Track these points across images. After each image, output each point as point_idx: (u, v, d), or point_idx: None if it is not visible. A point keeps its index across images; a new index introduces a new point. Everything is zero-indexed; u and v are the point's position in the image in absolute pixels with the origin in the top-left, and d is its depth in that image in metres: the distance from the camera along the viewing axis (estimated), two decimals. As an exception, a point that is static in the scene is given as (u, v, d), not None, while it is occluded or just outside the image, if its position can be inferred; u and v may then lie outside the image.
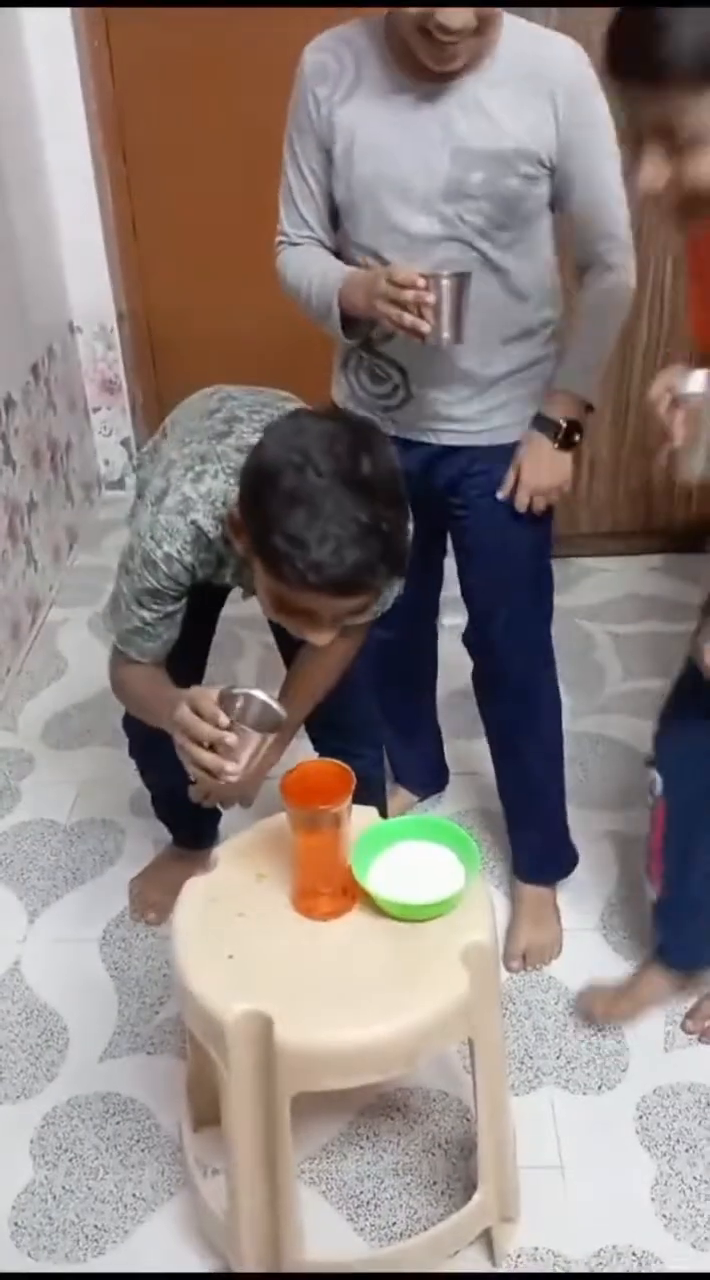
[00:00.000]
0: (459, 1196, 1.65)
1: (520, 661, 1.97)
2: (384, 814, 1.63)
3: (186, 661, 1.73)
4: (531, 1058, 1.87)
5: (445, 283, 1.56)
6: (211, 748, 1.41)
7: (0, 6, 2.89)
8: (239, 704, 1.42)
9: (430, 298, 1.55)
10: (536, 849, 2.13)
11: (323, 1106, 1.72)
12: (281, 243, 1.80)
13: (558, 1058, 1.87)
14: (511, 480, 1.80)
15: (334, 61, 1.71)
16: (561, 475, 1.80)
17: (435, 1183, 1.70)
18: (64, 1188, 1.71)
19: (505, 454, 1.80)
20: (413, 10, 1.49)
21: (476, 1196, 1.53)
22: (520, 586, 1.91)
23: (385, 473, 1.35)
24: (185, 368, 3.59)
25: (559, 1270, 1.58)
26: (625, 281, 1.77)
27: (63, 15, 3.04)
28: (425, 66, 1.57)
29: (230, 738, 1.39)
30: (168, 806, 2.11)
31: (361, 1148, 1.75)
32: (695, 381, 1.35)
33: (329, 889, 1.43)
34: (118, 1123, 1.80)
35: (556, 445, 1.77)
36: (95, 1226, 1.66)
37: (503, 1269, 1.59)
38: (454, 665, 2.21)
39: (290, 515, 1.29)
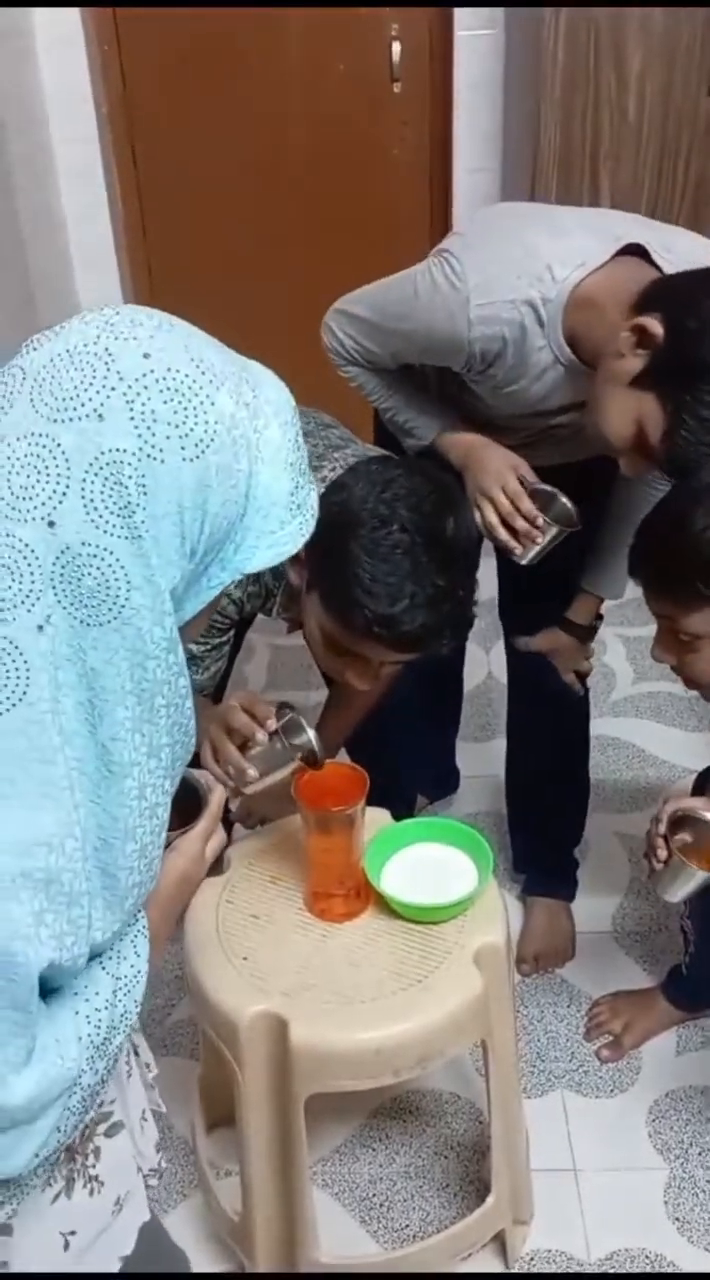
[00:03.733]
0: (472, 1199, 1.65)
1: (561, 689, 1.92)
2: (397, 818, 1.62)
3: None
4: (543, 1060, 1.87)
5: (553, 531, 1.57)
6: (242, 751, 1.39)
7: (12, 6, 2.89)
8: (287, 718, 1.39)
9: (539, 537, 1.57)
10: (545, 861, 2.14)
11: (335, 1109, 1.72)
12: (342, 358, 1.77)
13: (570, 1061, 1.87)
14: (534, 645, 1.86)
15: (505, 346, 1.51)
16: (587, 664, 1.90)
17: (448, 1185, 1.70)
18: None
19: (567, 473, 1.67)
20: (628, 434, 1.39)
21: (489, 1199, 1.53)
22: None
23: (466, 538, 1.35)
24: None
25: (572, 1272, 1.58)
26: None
27: (73, 17, 3.04)
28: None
29: (261, 735, 1.36)
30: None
31: (374, 1150, 1.75)
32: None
33: (342, 891, 1.43)
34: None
35: (583, 644, 1.84)
36: (108, 1228, 1.66)
37: (515, 1271, 1.59)
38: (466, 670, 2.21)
39: (371, 565, 1.27)
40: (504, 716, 2.34)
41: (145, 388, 0.72)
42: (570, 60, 2.46)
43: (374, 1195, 1.69)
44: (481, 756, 2.43)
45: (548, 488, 1.58)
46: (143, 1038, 1.12)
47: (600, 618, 1.85)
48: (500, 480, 1.57)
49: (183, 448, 0.72)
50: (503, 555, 1.62)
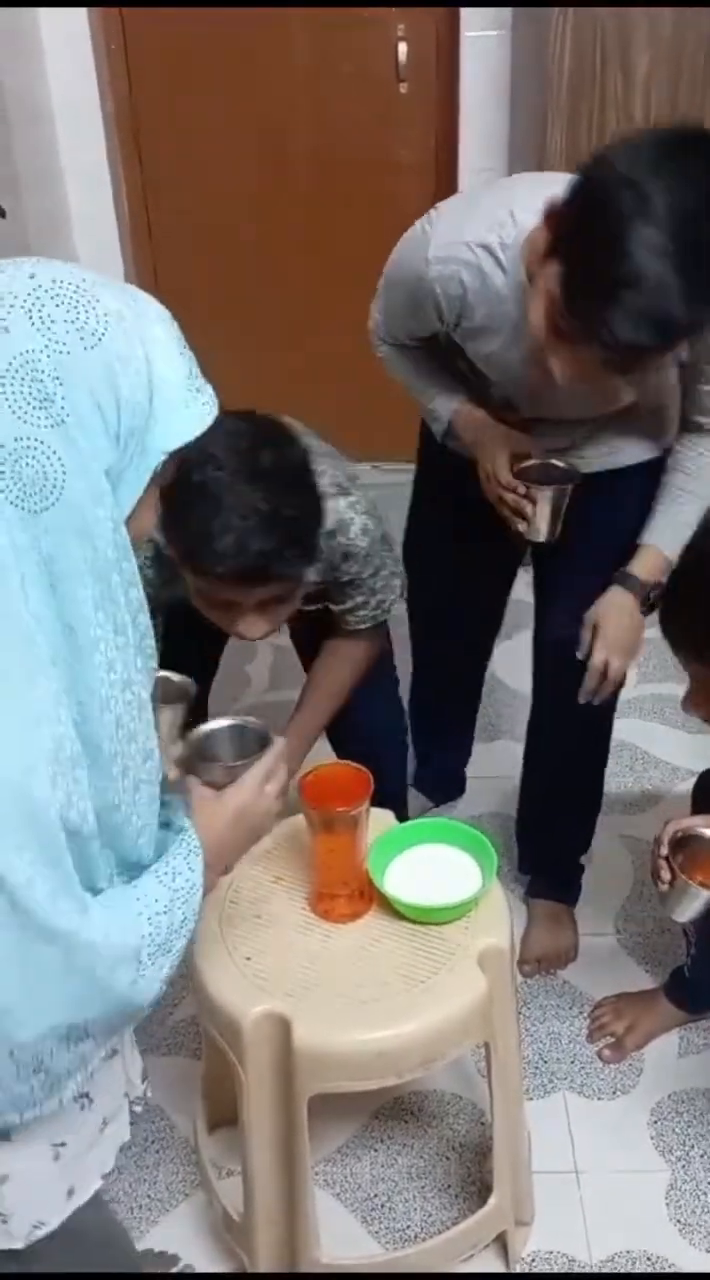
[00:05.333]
0: (473, 1200, 1.65)
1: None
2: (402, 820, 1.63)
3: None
4: (546, 1062, 1.87)
5: (547, 493, 1.57)
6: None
7: (19, 6, 2.89)
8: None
9: (528, 507, 1.57)
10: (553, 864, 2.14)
11: (337, 1109, 1.72)
12: (377, 336, 1.77)
13: (572, 1062, 1.87)
14: (587, 639, 1.68)
15: (468, 294, 1.54)
16: (637, 641, 1.68)
17: (449, 1186, 1.70)
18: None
19: (613, 478, 1.70)
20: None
21: (491, 1200, 1.53)
22: None
23: (288, 463, 1.39)
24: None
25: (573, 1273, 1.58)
26: None
27: (80, 17, 3.04)
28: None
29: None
30: None
31: (376, 1150, 1.75)
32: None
33: (346, 891, 1.43)
34: (132, 1123, 1.80)
35: (642, 607, 1.66)
36: (110, 1226, 1.66)
37: (516, 1271, 1.59)
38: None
39: (194, 511, 1.33)
40: (508, 717, 2.35)
41: (38, 299, 0.82)
42: (577, 62, 2.47)
43: (376, 1196, 1.69)
44: (485, 757, 2.43)
45: (537, 461, 1.60)
46: None
47: (656, 598, 1.63)
48: (489, 458, 1.61)
49: (82, 338, 0.83)
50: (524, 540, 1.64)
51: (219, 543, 1.32)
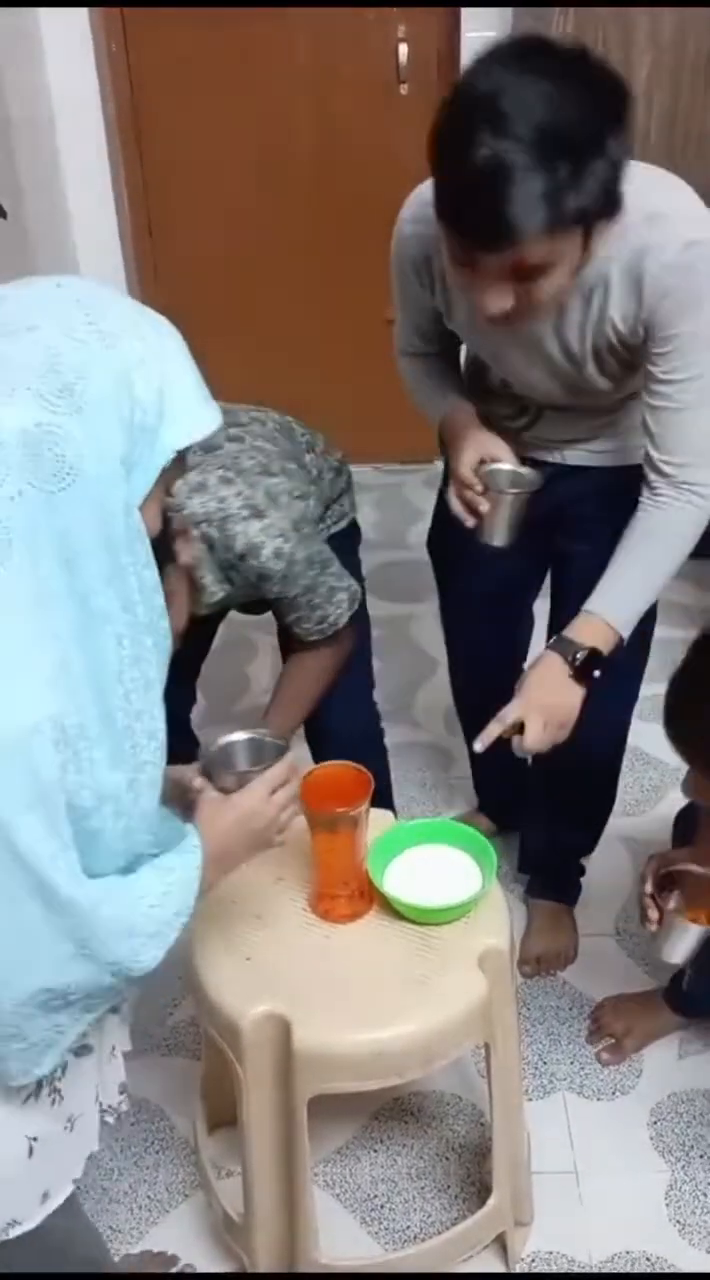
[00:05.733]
0: (473, 1200, 1.65)
1: (600, 706, 1.61)
2: None
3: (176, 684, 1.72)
4: (546, 1063, 1.87)
5: (505, 497, 1.55)
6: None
7: (22, 6, 2.90)
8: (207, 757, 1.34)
9: (483, 505, 1.56)
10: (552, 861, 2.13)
11: (336, 1110, 1.72)
12: (397, 348, 1.78)
13: (572, 1063, 1.87)
14: (512, 712, 1.49)
15: (433, 252, 1.54)
16: (567, 709, 1.50)
17: (449, 1187, 1.70)
18: (79, 1188, 1.71)
19: (616, 475, 1.66)
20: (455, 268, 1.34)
21: (491, 1201, 1.53)
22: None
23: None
24: (201, 372, 3.61)
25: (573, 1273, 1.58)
26: (703, 513, 1.50)
27: (81, 18, 3.05)
28: None
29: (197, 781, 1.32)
30: None
31: (375, 1151, 1.75)
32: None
33: (346, 892, 1.43)
34: (132, 1124, 1.80)
35: (571, 672, 1.49)
36: (110, 1228, 1.66)
37: (516, 1272, 1.59)
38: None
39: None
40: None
41: (64, 305, 0.90)
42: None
43: (375, 1196, 1.69)
44: (485, 759, 2.42)
45: (508, 467, 1.58)
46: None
47: (603, 667, 1.50)
48: (457, 456, 1.60)
49: (102, 339, 0.89)
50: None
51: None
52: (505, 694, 1.52)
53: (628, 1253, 1.60)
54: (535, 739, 1.48)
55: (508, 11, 2.91)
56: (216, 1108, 1.66)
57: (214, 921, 1.44)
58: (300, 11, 3.10)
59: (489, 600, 1.94)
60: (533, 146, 1.19)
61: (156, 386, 0.92)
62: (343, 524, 1.90)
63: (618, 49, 2.45)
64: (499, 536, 1.59)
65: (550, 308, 1.40)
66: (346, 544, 1.90)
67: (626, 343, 1.47)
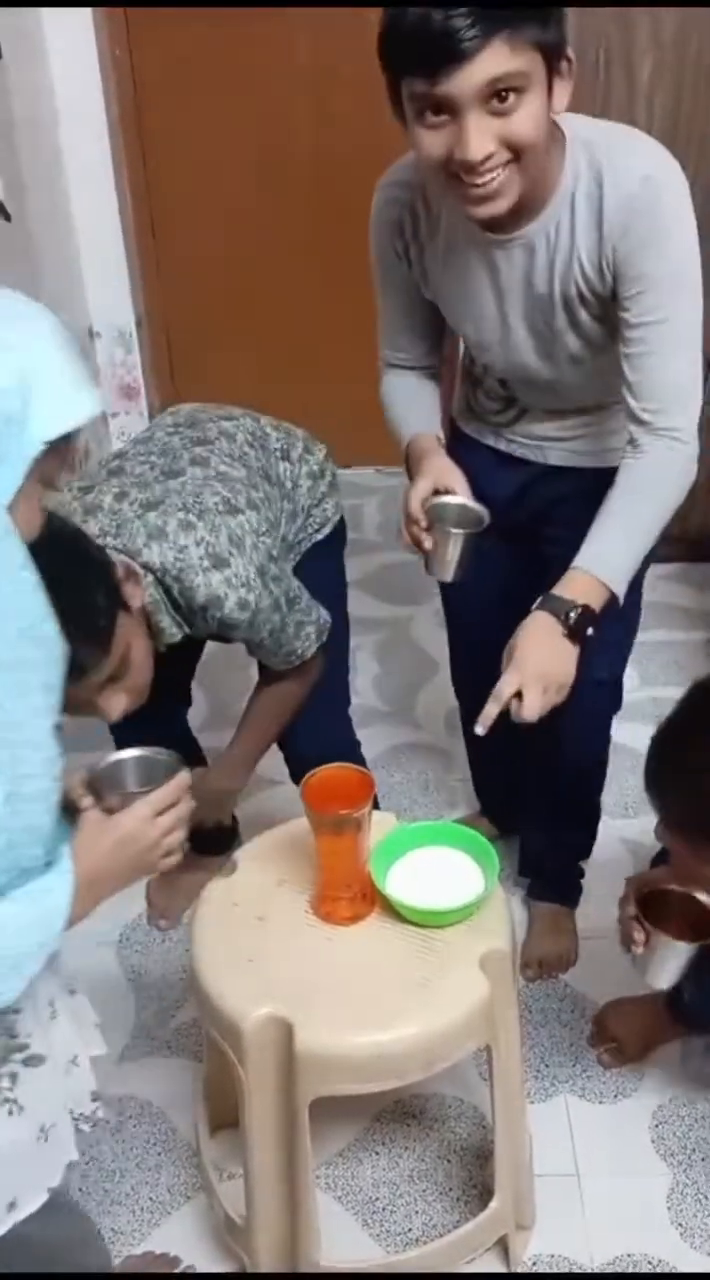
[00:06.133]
0: (475, 1203, 1.65)
1: (590, 695, 1.63)
2: None
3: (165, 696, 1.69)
4: (547, 1065, 1.87)
5: (451, 536, 1.54)
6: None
7: (26, 6, 2.90)
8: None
9: (427, 542, 1.55)
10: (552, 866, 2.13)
11: (338, 1112, 1.72)
12: (383, 360, 1.78)
13: (574, 1066, 1.87)
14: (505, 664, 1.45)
15: (406, 213, 1.59)
16: (563, 671, 1.45)
17: (451, 1189, 1.70)
18: (81, 1190, 1.72)
19: (598, 477, 1.60)
20: (434, 154, 1.33)
21: (492, 1203, 1.53)
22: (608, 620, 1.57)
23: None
24: (203, 372, 3.61)
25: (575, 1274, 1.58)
26: (684, 458, 1.48)
27: (84, 19, 3.05)
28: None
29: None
30: None
31: (377, 1154, 1.75)
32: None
33: (349, 894, 1.43)
34: (134, 1125, 1.80)
35: (565, 631, 1.44)
36: (112, 1230, 1.66)
37: (518, 1274, 1.59)
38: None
39: None
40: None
41: None
42: (580, 65, 2.45)
43: (377, 1199, 1.69)
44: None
45: (457, 500, 1.57)
46: (84, 997, 1.23)
47: (595, 624, 1.46)
48: (413, 486, 1.59)
49: None
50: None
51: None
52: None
53: (629, 1255, 1.60)
54: (534, 706, 1.42)
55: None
56: (218, 1110, 1.66)
57: (216, 924, 1.44)
58: (301, 12, 3.11)
59: (489, 600, 1.94)
60: None
61: (16, 371, 0.87)
62: (325, 530, 1.86)
63: (619, 48, 2.45)
64: (444, 572, 1.58)
65: (532, 168, 1.36)
66: (329, 550, 1.88)
67: (595, 290, 1.47)
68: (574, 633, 1.45)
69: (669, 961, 1.43)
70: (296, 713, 1.79)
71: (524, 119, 1.29)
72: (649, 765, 1.39)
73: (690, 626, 2.92)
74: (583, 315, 1.51)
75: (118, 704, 1.45)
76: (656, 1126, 1.77)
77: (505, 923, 1.43)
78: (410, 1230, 1.65)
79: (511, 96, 1.27)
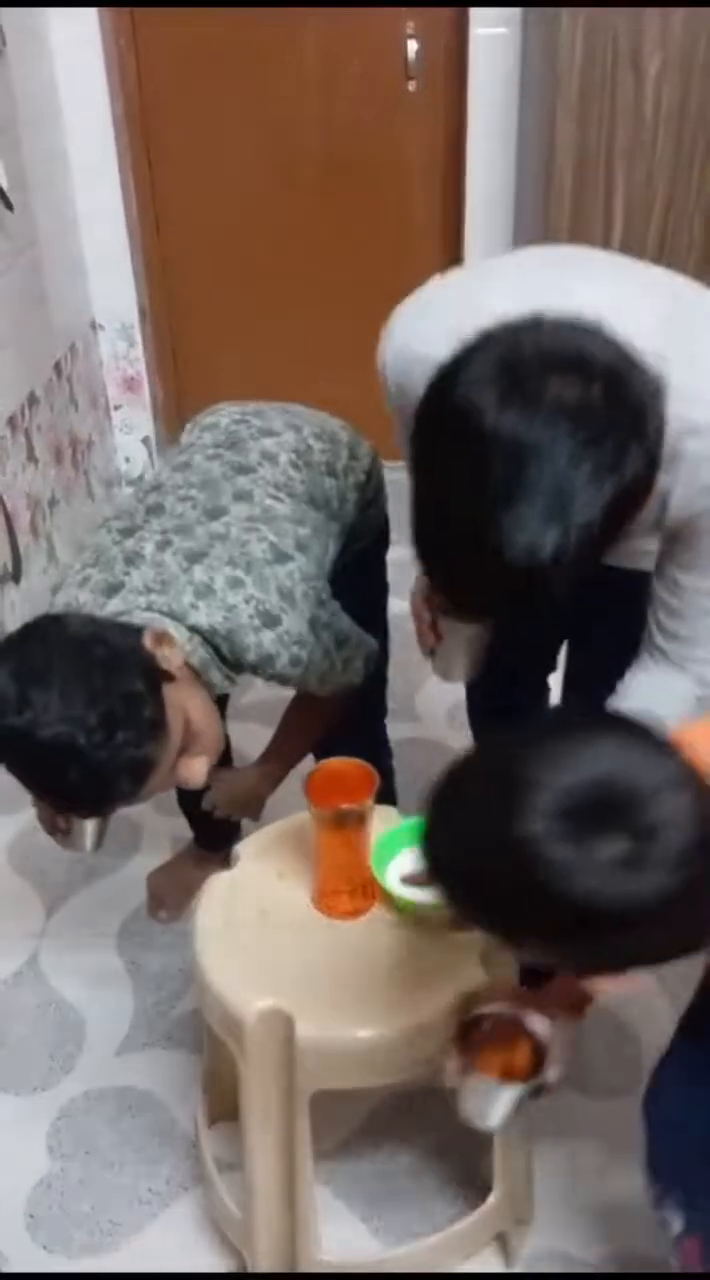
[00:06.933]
0: (473, 1198, 1.65)
1: None
2: None
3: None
4: (546, 1060, 1.87)
5: (458, 632, 1.46)
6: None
7: (31, 6, 2.90)
8: None
9: (429, 639, 1.50)
10: None
11: (336, 1106, 1.72)
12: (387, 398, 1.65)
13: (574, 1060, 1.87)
14: None
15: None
16: None
17: (449, 1184, 1.70)
18: (80, 1181, 1.72)
19: (629, 578, 1.36)
20: None
21: (491, 1199, 1.53)
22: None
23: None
24: (206, 366, 3.61)
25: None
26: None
27: (89, 16, 3.05)
28: None
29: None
30: (193, 804, 2.12)
31: (376, 1148, 1.75)
32: None
33: (350, 888, 1.43)
34: (134, 1117, 1.81)
35: None
36: (111, 1221, 1.66)
37: (516, 1270, 1.59)
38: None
39: None
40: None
41: None
42: (587, 63, 2.47)
43: (376, 1193, 1.69)
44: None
45: None
46: None
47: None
48: (415, 584, 1.52)
49: None
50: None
51: None
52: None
53: (631, 1251, 1.61)
54: None
55: (516, 11, 2.90)
56: (218, 1101, 1.66)
57: (217, 916, 1.44)
58: (308, 9, 3.10)
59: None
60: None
61: None
62: (368, 537, 1.79)
63: (627, 46, 2.45)
64: (450, 671, 1.52)
65: None
66: (372, 558, 1.83)
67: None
68: None
69: (493, 1104, 1.19)
70: (334, 723, 1.72)
71: None
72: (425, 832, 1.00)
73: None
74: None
75: (199, 769, 1.41)
76: (655, 1123, 1.77)
77: (506, 918, 1.43)
78: (409, 1225, 1.65)
79: None
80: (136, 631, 1.36)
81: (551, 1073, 1.21)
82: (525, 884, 0.86)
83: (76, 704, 1.23)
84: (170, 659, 1.37)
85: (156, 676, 1.33)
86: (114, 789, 1.29)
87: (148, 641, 1.35)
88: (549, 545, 0.95)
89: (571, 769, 0.88)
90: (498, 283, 1.24)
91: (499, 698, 1.78)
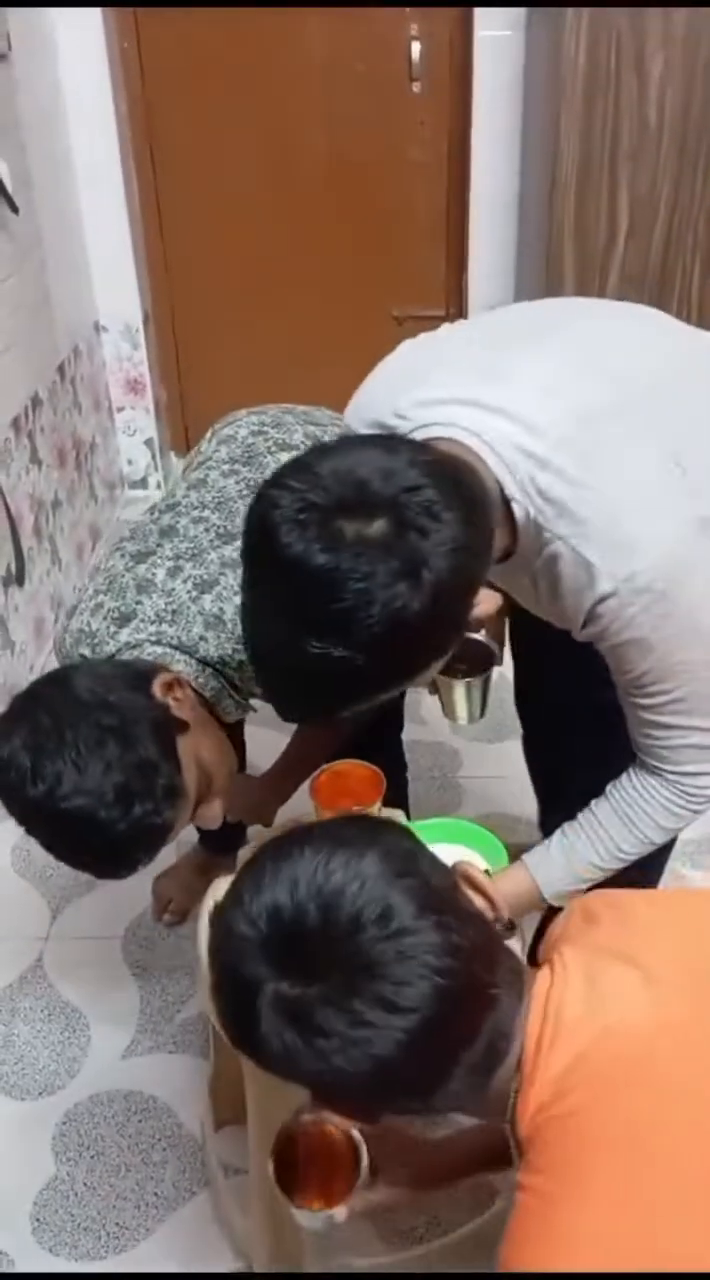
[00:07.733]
0: (480, 1202, 1.64)
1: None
2: None
3: None
4: (552, 1063, 1.87)
5: (456, 684, 1.48)
6: None
7: (35, 6, 2.90)
8: None
9: (426, 687, 1.50)
10: None
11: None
12: None
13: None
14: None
15: None
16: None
17: (455, 1188, 1.69)
18: (86, 1185, 1.72)
19: None
20: None
21: (498, 1201, 1.53)
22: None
23: None
24: (209, 368, 3.61)
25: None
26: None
27: (94, 17, 3.05)
28: None
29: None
30: None
31: (382, 1150, 1.75)
32: None
33: (356, 891, 1.42)
34: (139, 1120, 1.81)
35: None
36: (117, 1224, 1.66)
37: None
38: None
39: None
40: (514, 716, 2.32)
41: None
42: (591, 64, 2.47)
43: (382, 1196, 1.69)
44: (490, 757, 2.43)
45: (473, 636, 1.48)
46: None
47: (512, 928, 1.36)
48: None
49: None
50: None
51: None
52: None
53: (634, 1255, 1.60)
54: None
55: (520, 11, 2.90)
56: (224, 1106, 1.66)
57: (223, 920, 1.44)
58: (312, 10, 3.10)
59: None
60: None
61: None
62: None
63: (630, 47, 2.45)
64: (456, 715, 1.53)
65: None
66: None
67: None
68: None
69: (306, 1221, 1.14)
70: (348, 738, 1.67)
71: None
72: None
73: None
74: None
75: (216, 814, 1.41)
76: (662, 1126, 1.77)
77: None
78: (415, 1228, 1.64)
79: None
80: (145, 678, 1.33)
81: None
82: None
83: (92, 776, 1.22)
84: (182, 704, 1.34)
85: (170, 733, 1.30)
86: (133, 856, 1.30)
87: (158, 691, 1.32)
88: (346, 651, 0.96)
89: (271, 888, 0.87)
90: (435, 373, 1.24)
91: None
